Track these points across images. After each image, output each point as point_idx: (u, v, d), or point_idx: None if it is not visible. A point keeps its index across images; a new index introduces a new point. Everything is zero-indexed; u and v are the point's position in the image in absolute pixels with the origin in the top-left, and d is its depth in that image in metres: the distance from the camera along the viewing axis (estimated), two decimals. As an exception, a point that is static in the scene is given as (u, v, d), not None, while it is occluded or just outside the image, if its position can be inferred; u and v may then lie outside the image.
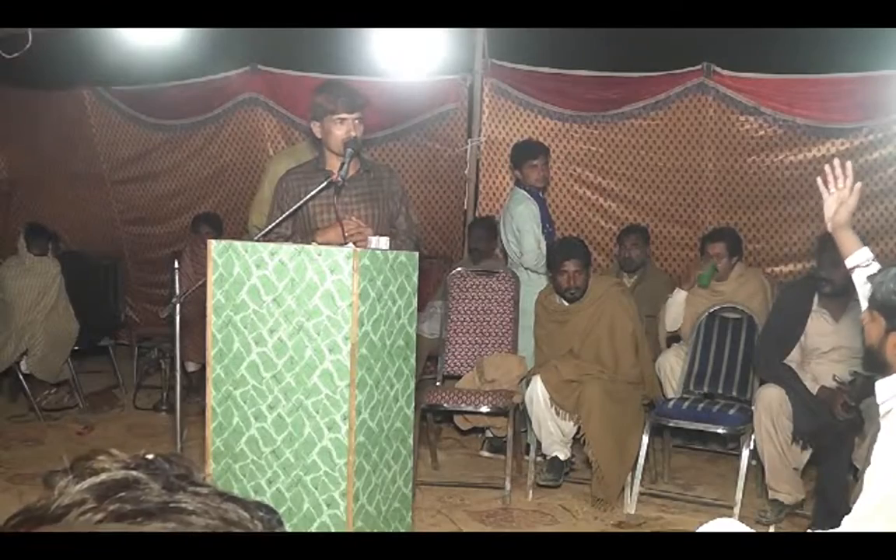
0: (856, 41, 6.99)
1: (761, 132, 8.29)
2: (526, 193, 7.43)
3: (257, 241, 4.49)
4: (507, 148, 8.66)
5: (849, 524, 3.32)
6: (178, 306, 4.89)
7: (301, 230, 5.09)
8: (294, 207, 4.88)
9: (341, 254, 4.04)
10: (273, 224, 4.91)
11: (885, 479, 3.26)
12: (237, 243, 4.25)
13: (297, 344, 4.08)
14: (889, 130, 7.90)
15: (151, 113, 10.14)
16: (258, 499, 1.03)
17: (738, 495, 6.04)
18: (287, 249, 4.14)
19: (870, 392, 3.50)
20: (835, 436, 5.85)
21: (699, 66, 8.29)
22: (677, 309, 7.36)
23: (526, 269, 7.35)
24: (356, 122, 5.11)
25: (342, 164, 4.94)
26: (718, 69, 8.25)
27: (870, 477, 3.32)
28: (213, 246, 4.24)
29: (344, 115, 5.09)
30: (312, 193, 4.87)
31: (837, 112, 8.01)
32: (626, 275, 8.08)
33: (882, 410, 3.42)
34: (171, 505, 0.96)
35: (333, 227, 4.86)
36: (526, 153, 7.55)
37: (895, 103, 7.61)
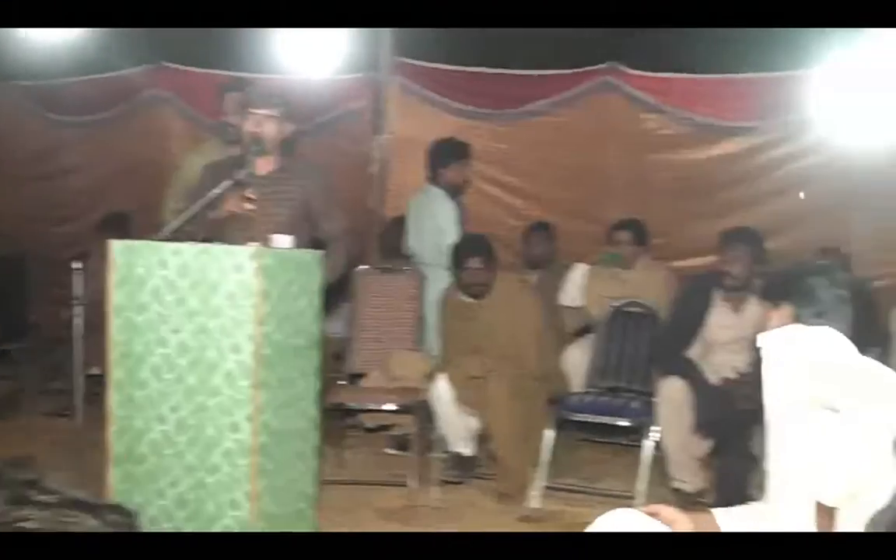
0: (755, 42, 7.12)
1: (664, 130, 8.42)
2: (443, 192, 7.43)
3: (161, 238, 4.46)
4: (414, 146, 8.66)
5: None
6: (77, 308, 4.84)
7: (208, 227, 5.07)
8: (198, 205, 4.85)
9: (244, 253, 4.03)
10: (179, 221, 4.86)
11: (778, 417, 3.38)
12: (139, 243, 4.21)
13: (200, 344, 4.05)
14: (788, 128, 8.06)
15: (55, 109, 9.98)
16: (112, 502, 1.03)
17: (642, 486, 6.12)
18: (190, 249, 4.11)
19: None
20: (735, 426, 5.95)
21: (605, 65, 8.39)
22: (576, 283, 7.48)
23: (437, 268, 7.38)
24: (269, 118, 5.10)
25: (248, 160, 4.93)
26: (623, 68, 8.36)
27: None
28: (114, 246, 4.20)
29: (251, 111, 5.09)
30: (216, 191, 4.84)
31: (737, 111, 8.18)
32: (531, 271, 8.13)
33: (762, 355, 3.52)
34: (14, 525, 0.95)
35: None
36: (454, 153, 7.54)
37: (793, 103, 7.76)
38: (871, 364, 3.31)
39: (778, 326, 3.57)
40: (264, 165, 5.23)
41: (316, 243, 5.31)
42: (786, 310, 3.59)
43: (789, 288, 3.60)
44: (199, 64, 9.23)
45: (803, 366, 3.37)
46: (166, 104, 9.52)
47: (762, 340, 3.56)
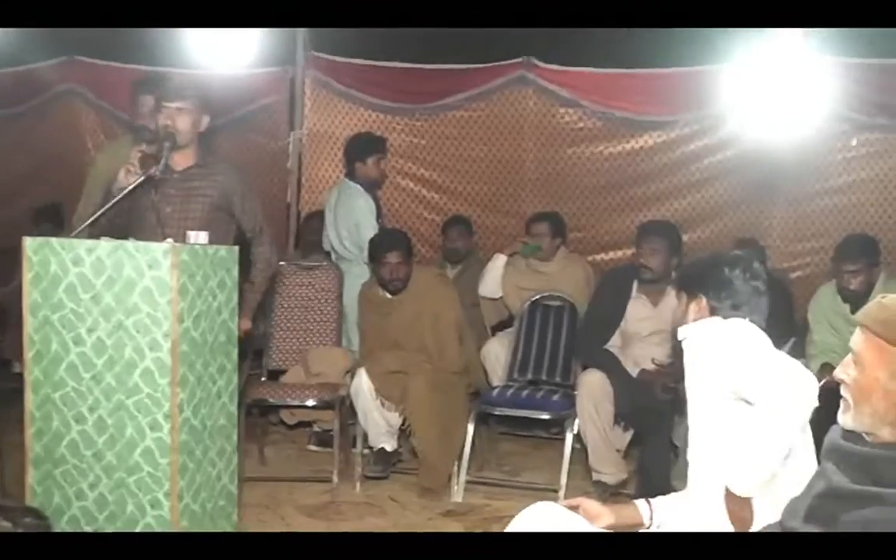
0: (670, 38, 7.17)
1: (580, 124, 8.48)
2: (360, 187, 7.42)
3: (76, 235, 4.41)
4: (330, 141, 8.66)
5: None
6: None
7: (121, 226, 5.01)
8: (111, 203, 4.79)
9: (159, 249, 3.97)
10: (93, 218, 4.79)
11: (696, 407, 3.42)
12: (53, 240, 4.14)
13: (117, 342, 3.99)
14: (703, 123, 8.17)
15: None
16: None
17: (563, 479, 6.15)
18: (104, 246, 4.04)
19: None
20: (655, 417, 6.03)
21: (519, 59, 8.43)
22: (495, 274, 7.53)
23: (354, 263, 7.37)
24: (181, 111, 5.05)
25: (161, 156, 4.88)
26: (538, 62, 8.39)
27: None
28: (28, 243, 4.12)
29: (164, 104, 5.05)
30: (128, 187, 4.78)
31: (653, 105, 8.26)
32: (450, 265, 8.15)
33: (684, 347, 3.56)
34: None
35: None
36: (370, 147, 7.56)
37: (709, 97, 7.85)
38: (780, 357, 3.35)
39: (695, 319, 3.61)
40: (181, 161, 5.17)
41: (237, 239, 5.30)
42: (702, 302, 3.63)
43: (705, 281, 3.64)
44: (113, 58, 9.10)
45: (719, 358, 3.41)
46: (79, 98, 9.37)
47: (682, 333, 3.60)
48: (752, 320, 3.55)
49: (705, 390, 3.43)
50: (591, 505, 3.37)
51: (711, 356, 3.44)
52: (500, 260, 7.55)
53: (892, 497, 2.23)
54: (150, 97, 5.57)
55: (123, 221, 5.03)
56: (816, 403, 3.17)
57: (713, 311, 3.59)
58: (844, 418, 2.41)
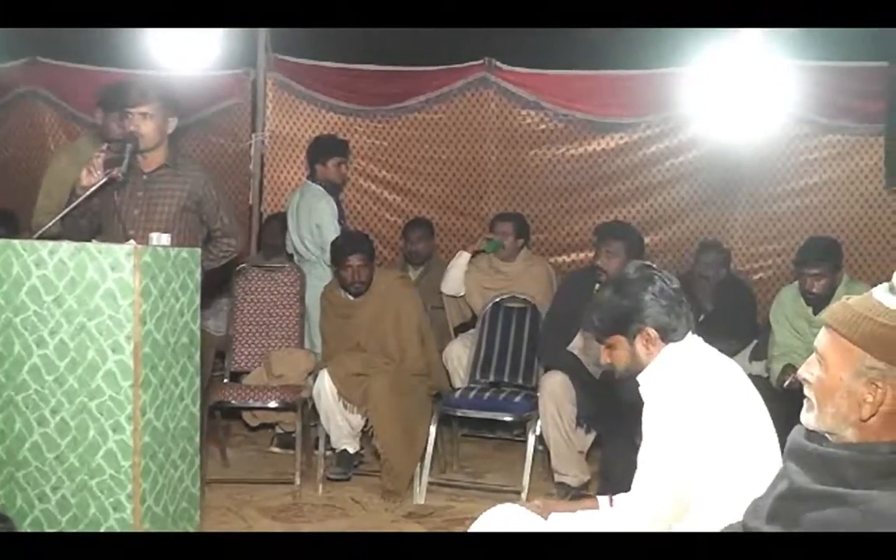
0: (632, 40, 7.23)
1: (542, 126, 8.51)
2: (322, 189, 7.43)
3: (39, 236, 4.40)
4: (292, 143, 8.66)
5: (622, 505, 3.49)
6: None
7: (85, 226, 5.03)
8: (74, 203, 4.79)
9: (122, 251, 3.97)
10: (55, 219, 4.79)
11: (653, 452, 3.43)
12: (15, 242, 4.11)
13: (79, 345, 3.97)
14: (665, 125, 8.23)
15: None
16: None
17: (526, 481, 6.18)
18: (67, 248, 4.02)
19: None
20: (617, 418, 6.04)
21: (481, 61, 8.46)
22: (458, 272, 7.54)
23: (317, 265, 7.38)
24: (144, 116, 5.07)
25: (122, 158, 4.88)
26: (500, 64, 8.42)
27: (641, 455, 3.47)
28: (-12, 246, 4.11)
29: (128, 110, 5.05)
30: (91, 188, 4.79)
31: (615, 107, 8.31)
32: (411, 268, 8.16)
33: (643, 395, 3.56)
34: None
35: None
36: (332, 150, 7.58)
37: (671, 99, 7.91)
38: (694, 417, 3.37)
39: (649, 352, 3.56)
40: (150, 163, 5.19)
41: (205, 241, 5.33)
42: (649, 332, 3.53)
43: (639, 310, 3.51)
44: (75, 59, 9.07)
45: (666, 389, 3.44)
46: (41, 100, 9.33)
47: (643, 380, 3.58)
48: (688, 322, 3.55)
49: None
50: (553, 505, 3.39)
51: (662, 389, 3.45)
52: (463, 257, 7.57)
53: (854, 498, 2.25)
54: (115, 114, 5.59)
55: (87, 222, 5.05)
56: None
57: (663, 335, 3.55)
58: (808, 418, 2.42)
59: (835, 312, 2.39)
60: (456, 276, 7.58)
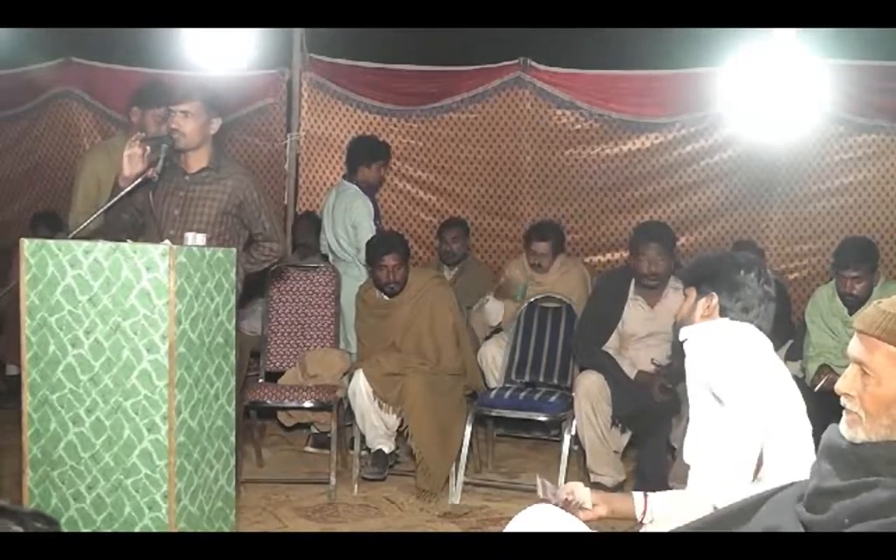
0: (666, 40, 7.20)
1: (577, 126, 8.49)
2: (358, 189, 7.43)
3: (79, 232, 4.43)
4: (327, 143, 8.68)
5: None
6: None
7: (124, 223, 5.06)
8: (111, 202, 4.81)
9: (157, 251, 3.97)
10: (90, 218, 4.80)
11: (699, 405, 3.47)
12: (51, 242, 4.12)
13: (114, 344, 3.98)
14: (700, 125, 8.20)
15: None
16: (34, 508, 1.00)
17: (561, 481, 6.12)
18: (102, 247, 4.03)
19: (685, 375, 3.61)
20: (653, 418, 6.03)
21: (516, 61, 8.45)
22: (495, 305, 7.53)
23: (352, 265, 7.38)
24: (185, 115, 5.08)
25: (157, 159, 4.90)
26: (535, 64, 8.41)
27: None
28: (25, 245, 4.11)
29: (170, 108, 5.08)
30: (127, 188, 4.81)
31: (650, 107, 8.28)
32: (446, 268, 8.15)
33: (685, 348, 3.58)
34: None
35: None
36: (377, 153, 7.63)
37: (705, 99, 7.87)
38: (771, 365, 3.38)
39: (703, 317, 3.61)
40: (193, 163, 5.21)
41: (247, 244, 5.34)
42: (713, 301, 3.61)
43: (719, 280, 3.62)
44: (110, 60, 9.12)
45: (714, 359, 3.43)
46: (76, 100, 9.40)
47: (685, 333, 3.60)
48: (758, 326, 3.56)
49: (703, 391, 3.43)
50: (583, 491, 3.35)
51: (710, 358, 3.44)
52: (498, 304, 7.56)
53: (885, 482, 2.20)
54: (159, 111, 5.61)
55: (128, 217, 5.08)
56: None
57: (723, 312, 3.59)
58: (853, 432, 2.34)
59: (874, 321, 2.31)
60: (495, 309, 7.57)
